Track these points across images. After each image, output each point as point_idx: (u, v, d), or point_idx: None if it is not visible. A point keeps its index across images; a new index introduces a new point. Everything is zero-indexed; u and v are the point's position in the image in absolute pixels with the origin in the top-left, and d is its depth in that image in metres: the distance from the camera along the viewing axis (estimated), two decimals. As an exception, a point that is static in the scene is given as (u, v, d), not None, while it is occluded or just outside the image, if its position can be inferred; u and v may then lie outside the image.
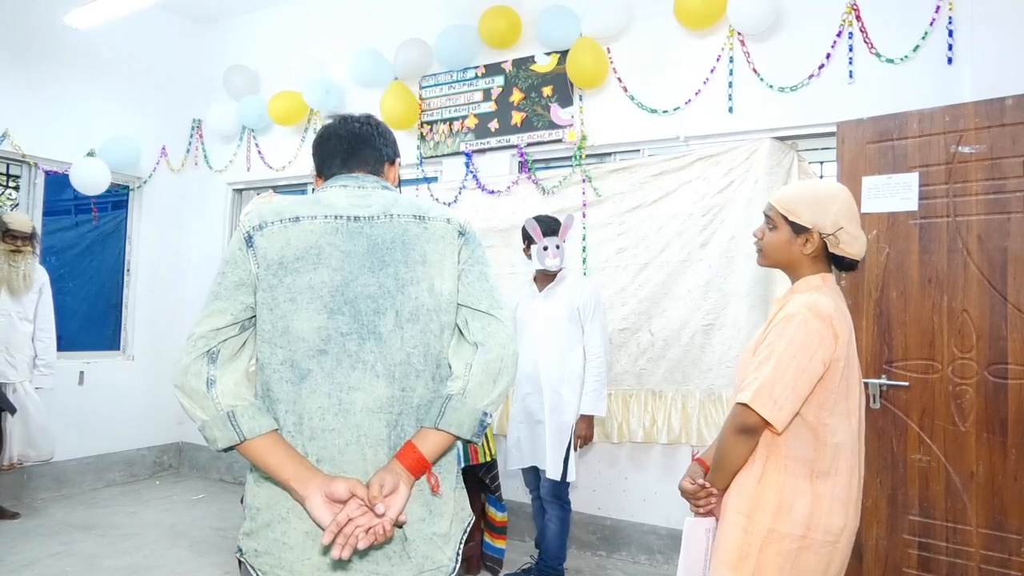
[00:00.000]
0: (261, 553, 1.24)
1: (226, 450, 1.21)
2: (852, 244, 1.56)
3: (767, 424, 1.48)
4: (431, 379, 1.28)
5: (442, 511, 1.29)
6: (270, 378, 1.25)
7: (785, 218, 1.61)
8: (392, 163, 1.46)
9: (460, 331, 1.32)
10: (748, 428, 1.51)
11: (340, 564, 1.21)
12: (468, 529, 1.36)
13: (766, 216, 1.66)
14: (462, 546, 1.33)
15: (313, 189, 1.45)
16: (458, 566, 1.31)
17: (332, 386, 1.22)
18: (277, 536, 1.22)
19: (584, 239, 3.81)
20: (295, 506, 1.20)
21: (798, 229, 1.59)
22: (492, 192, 4.12)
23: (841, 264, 1.61)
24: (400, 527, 1.20)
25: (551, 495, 3.15)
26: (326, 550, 1.15)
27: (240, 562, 1.28)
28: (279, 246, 1.24)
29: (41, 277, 4.11)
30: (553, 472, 3.04)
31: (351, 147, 1.40)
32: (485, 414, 1.26)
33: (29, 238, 3.96)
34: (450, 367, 1.30)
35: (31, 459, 3.98)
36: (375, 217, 1.29)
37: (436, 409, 1.24)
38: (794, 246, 1.60)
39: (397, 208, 1.31)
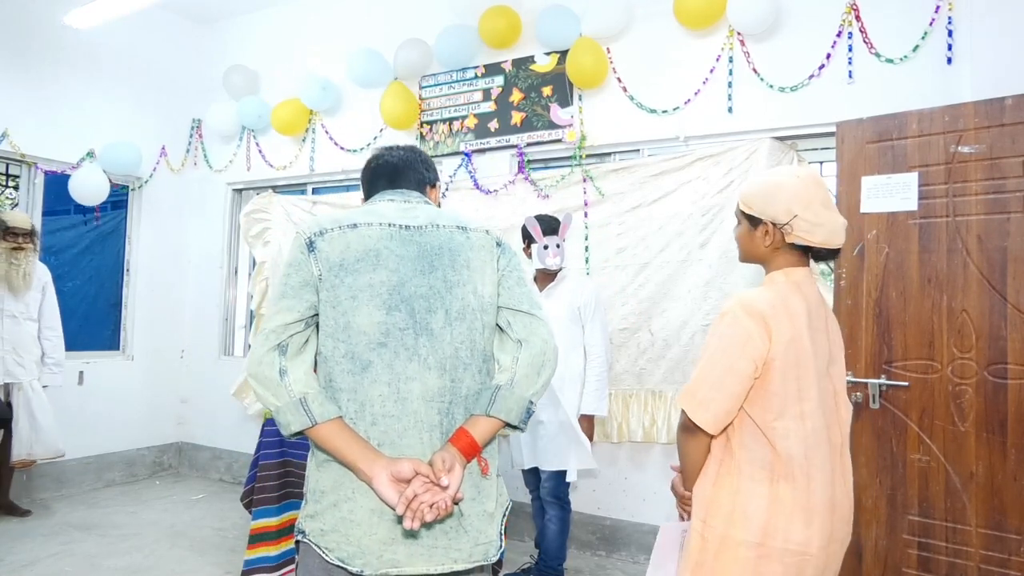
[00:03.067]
0: (328, 532, 1.34)
1: (296, 434, 1.32)
2: (813, 232, 1.46)
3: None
4: (477, 372, 1.41)
5: (489, 492, 1.41)
6: (333, 369, 1.36)
7: (744, 212, 1.57)
8: (433, 186, 1.61)
9: (503, 330, 1.45)
10: (687, 426, 1.48)
11: (405, 537, 1.32)
12: (507, 513, 1.47)
13: (735, 212, 1.63)
14: (503, 527, 1.44)
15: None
16: (503, 545, 1.42)
17: (391, 376, 1.34)
18: (344, 515, 1.33)
19: (587, 239, 3.81)
20: (360, 486, 1.32)
21: (754, 221, 1.54)
22: (491, 192, 4.12)
23: (816, 254, 1.52)
24: (457, 504, 1.30)
25: (551, 495, 3.15)
26: (399, 519, 1.26)
27: (297, 543, 1.39)
28: (340, 249, 1.36)
29: (43, 276, 4.12)
30: (588, 462, 3.05)
31: (396, 170, 1.54)
32: (531, 402, 1.39)
33: (29, 235, 3.97)
34: (497, 362, 1.44)
35: (40, 456, 4.00)
36: (423, 227, 1.43)
37: (486, 398, 1.37)
38: (755, 239, 1.54)
39: (442, 220, 1.45)
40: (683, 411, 1.48)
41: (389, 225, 1.40)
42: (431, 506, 1.23)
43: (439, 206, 1.60)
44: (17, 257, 3.91)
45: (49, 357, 4.11)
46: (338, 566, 1.32)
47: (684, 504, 1.61)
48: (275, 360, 1.30)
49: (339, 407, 1.34)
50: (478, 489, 1.39)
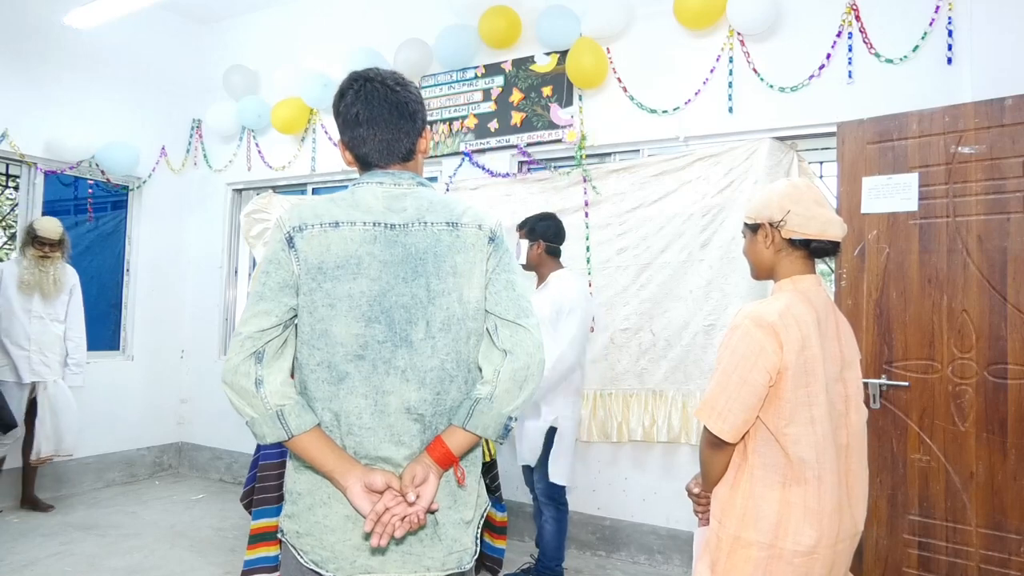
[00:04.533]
0: (303, 534, 1.32)
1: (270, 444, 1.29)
2: (807, 224, 1.54)
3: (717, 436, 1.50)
4: (463, 383, 1.35)
5: (467, 501, 1.39)
6: (307, 377, 1.32)
7: (746, 224, 1.67)
8: (422, 134, 1.44)
9: (489, 334, 1.37)
10: (712, 441, 1.53)
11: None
12: (485, 514, 1.44)
13: (741, 232, 1.72)
14: (479, 530, 1.42)
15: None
16: (479, 549, 1.40)
17: (368, 388, 1.29)
18: (319, 519, 1.31)
19: (587, 239, 3.80)
20: (336, 492, 1.30)
21: (754, 228, 1.64)
22: (492, 174, 4.12)
23: (818, 251, 1.58)
24: (432, 513, 1.29)
25: (545, 496, 3.16)
26: (367, 536, 1.24)
27: (280, 542, 1.38)
28: (318, 251, 1.28)
29: (72, 278, 4.28)
30: (531, 460, 3.09)
31: (385, 142, 1.37)
32: (510, 418, 1.34)
33: (58, 244, 4.12)
34: (480, 370, 1.37)
35: (59, 454, 4.17)
36: (409, 224, 1.32)
37: (464, 410, 1.32)
38: (758, 246, 1.63)
39: (431, 215, 1.34)
40: (705, 427, 1.53)
41: (374, 225, 1.30)
42: (403, 519, 1.21)
43: (429, 150, 1.49)
44: (45, 265, 4.08)
45: (71, 358, 4.24)
46: (312, 569, 1.31)
47: (699, 503, 1.66)
48: (251, 369, 1.25)
49: (315, 415, 1.30)
50: (454, 498, 1.36)
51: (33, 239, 4.04)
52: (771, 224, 1.58)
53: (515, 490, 3.83)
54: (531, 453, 3.12)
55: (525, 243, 3.19)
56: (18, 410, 4.02)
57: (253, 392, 1.25)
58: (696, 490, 1.67)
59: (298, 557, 1.32)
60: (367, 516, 1.22)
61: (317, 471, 1.30)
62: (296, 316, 1.31)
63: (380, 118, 1.37)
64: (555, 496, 3.16)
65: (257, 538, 2.85)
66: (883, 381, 2.74)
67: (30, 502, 4.28)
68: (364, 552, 1.30)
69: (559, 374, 3.03)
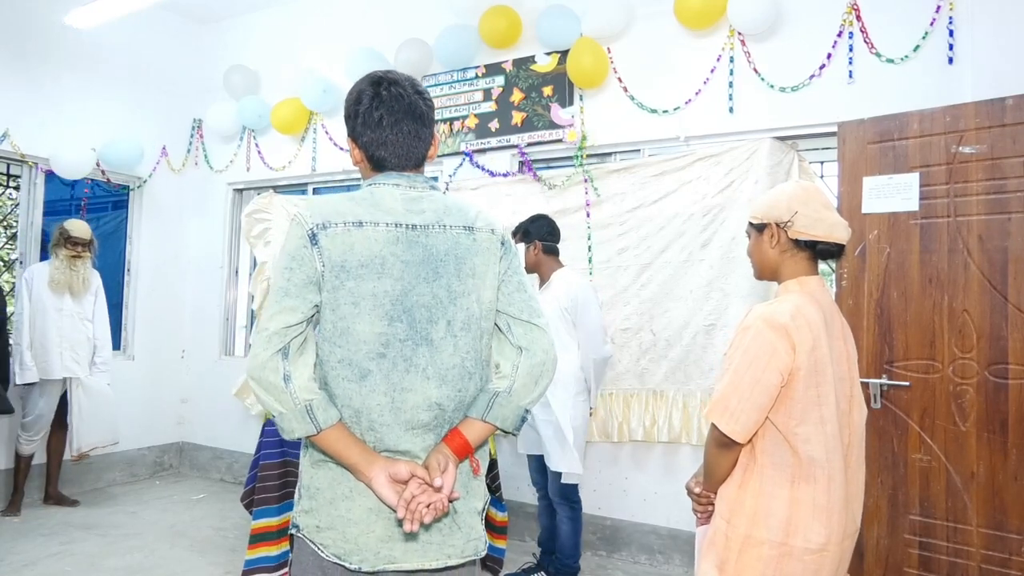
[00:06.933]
0: (324, 528, 1.34)
1: (297, 439, 1.33)
2: (814, 226, 1.55)
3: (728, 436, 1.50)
4: (480, 379, 1.42)
5: (477, 491, 1.45)
6: (328, 374, 1.34)
7: (751, 223, 1.67)
8: (432, 142, 1.51)
9: (502, 333, 1.44)
10: (720, 441, 1.53)
11: (402, 535, 1.34)
12: (486, 508, 1.50)
13: (746, 231, 1.72)
14: (483, 524, 1.48)
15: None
16: (488, 541, 1.46)
17: (388, 386, 1.33)
18: (341, 512, 1.34)
19: (589, 239, 3.80)
20: (357, 485, 1.33)
21: (760, 227, 1.64)
22: (483, 186, 4.12)
23: (823, 253, 1.59)
24: (452, 502, 1.33)
25: (559, 496, 3.16)
26: (399, 523, 1.28)
27: (291, 537, 1.40)
28: (342, 249, 1.30)
29: (96, 280, 4.46)
30: (558, 465, 3.04)
31: (405, 147, 1.43)
32: (526, 411, 1.41)
33: (88, 244, 4.32)
34: (496, 366, 1.44)
35: (100, 446, 4.42)
36: (429, 226, 1.38)
37: (483, 403, 1.38)
38: (763, 245, 1.63)
39: (448, 218, 1.41)
40: (714, 425, 1.52)
41: (396, 226, 1.34)
42: (428, 506, 1.25)
43: (435, 156, 1.53)
44: (76, 265, 4.28)
45: (98, 356, 4.42)
46: (334, 563, 1.33)
47: (700, 503, 1.67)
48: (279, 365, 1.26)
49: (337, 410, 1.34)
50: (467, 488, 1.42)
51: (66, 239, 4.23)
52: (778, 224, 1.59)
53: (515, 490, 3.83)
54: (554, 454, 3.09)
55: (521, 246, 3.21)
56: (51, 407, 4.20)
57: (282, 388, 1.26)
58: (697, 489, 1.67)
59: (318, 552, 1.34)
60: (398, 504, 1.25)
61: (338, 464, 1.33)
62: (317, 313, 1.33)
63: (404, 124, 1.42)
64: (568, 495, 3.16)
65: (257, 538, 2.85)
66: (884, 381, 2.74)
67: (54, 498, 4.41)
68: (387, 543, 1.33)
69: (602, 367, 3.22)
